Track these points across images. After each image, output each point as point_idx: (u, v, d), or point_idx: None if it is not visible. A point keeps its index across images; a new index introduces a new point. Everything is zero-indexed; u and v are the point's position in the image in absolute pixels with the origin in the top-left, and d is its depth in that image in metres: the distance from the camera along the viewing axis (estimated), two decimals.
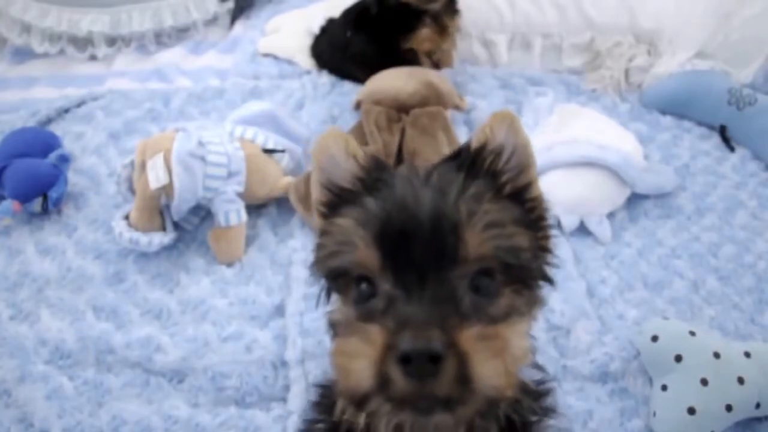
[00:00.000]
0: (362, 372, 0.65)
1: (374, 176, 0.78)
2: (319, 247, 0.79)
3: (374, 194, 0.75)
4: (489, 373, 0.64)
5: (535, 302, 0.78)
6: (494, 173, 0.79)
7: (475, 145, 0.80)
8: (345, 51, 2.42)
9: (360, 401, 0.68)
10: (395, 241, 0.70)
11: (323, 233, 0.79)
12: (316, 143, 0.83)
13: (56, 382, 1.48)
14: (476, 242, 0.70)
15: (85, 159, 2.07)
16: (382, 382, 0.65)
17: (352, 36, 2.42)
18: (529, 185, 0.81)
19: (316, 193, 0.83)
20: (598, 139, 1.92)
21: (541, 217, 0.82)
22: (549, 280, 0.81)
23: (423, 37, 2.32)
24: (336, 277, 0.76)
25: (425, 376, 0.63)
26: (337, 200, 0.80)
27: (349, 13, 2.48)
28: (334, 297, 0.82)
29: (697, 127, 2.22)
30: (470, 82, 2.38)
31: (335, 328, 0.79)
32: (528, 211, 0.80)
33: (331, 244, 0.75)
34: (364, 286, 0.72)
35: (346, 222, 0.73)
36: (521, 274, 0.75)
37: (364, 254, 0.71)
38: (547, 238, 0.82)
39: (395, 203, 0.72)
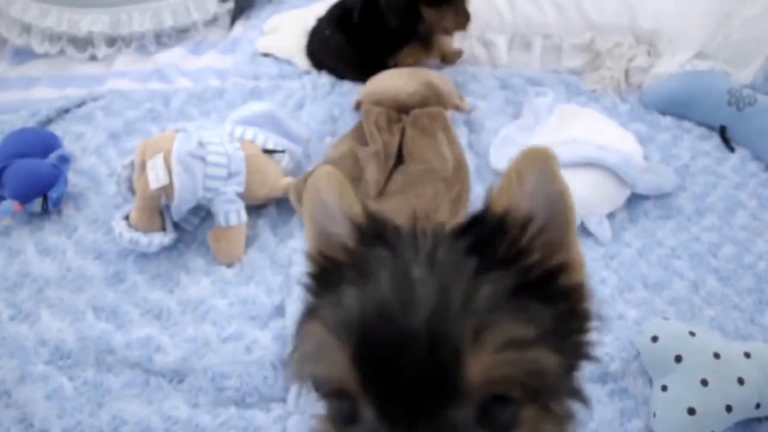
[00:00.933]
0: None
1: (364, 248, 0.60)
2: (294, 348, 0.61)
3: (358, 282, 0.56)
4: None
5: (564, 420, 0.60)
6: (519, 253, 0.60)
7: (495, 209, 0.61)
8: (331, 49, 2.44)
9: None
10: (379, 358, 0.52)
11: (299, 331, 0.61)
12: (308, 185, 0.67)
13: (56, 382, 1.47)
14: (485, 368, 0.52)
15: (85, 159, 2.07)
16: None
17: (331, 34, 2.43)
18: (564, 267, 0.64)
19: (308, 247, 0.67)
20: (597, 140, 1.92)
21: (580, 312, 0.66)
22: (583, 400, 0.63)
23: (406, 53, 2.34)
24: (314, 385, 0.59)
25: None
26: (325, 273, 0.63)
27: (332, 11, 2.49)
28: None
29: (697, 127, 2.21)
30: (470, 82, 2.38)
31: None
32: (562, 303, 0.62)
33: (306, 348, 0.58)
34: (344, 404, 0.56)
35: (316, 328, 0.56)
36: (547, 395, 0.57)
37: (340, 372, 0.54)
38: (584, 343, 0.65)
39: (381, 304, 0.54)
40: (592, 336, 0.66)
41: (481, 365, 0.51)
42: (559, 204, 0.64)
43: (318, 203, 0.65)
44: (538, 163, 0.62)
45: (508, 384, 0.53)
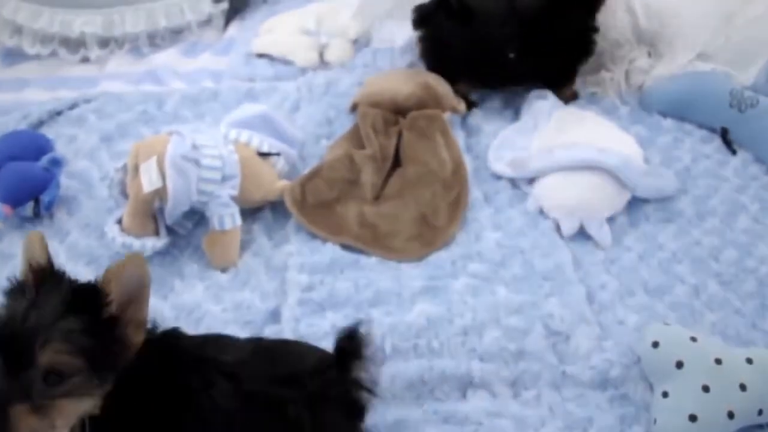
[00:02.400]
0: None
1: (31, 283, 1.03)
2: None
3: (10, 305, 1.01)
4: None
5: (86, 391, 1.00)
6: (98, 305, 1.01)
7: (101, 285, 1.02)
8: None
9: None
10: (5, 342, 0.96)
11: None
12: (24, 241, 1.08)
13: None
14: (47, 356, 0.95)
15: (77, 162, 2.05)
16: None
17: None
18: (124, 315, 1.03)
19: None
20: (597, 142, 1.91)
21: (122, 342, 1.03)
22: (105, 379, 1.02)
23: None
24: None
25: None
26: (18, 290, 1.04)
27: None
28: None
29: (698, 129, 2.19)
30: None
31: None
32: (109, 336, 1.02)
33: None
34: None
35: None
36: (79, 377, 0.98)
37: None
38: (117, 355, 1.03)
39: (10, 316, 0.98)
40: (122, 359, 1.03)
41: (44, 354, 0.94)
42: (139, 290, 1.03)
43: (27, 251, 1.07)
44: (135, 265, 1.02)
45: (60, 365, 0.96)
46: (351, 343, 1.20)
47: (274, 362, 1.18)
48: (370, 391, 1.23)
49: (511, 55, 2.15)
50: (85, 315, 0.99)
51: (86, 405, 1.00)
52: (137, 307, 1.04)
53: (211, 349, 1.16)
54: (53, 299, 0.99)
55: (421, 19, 2.25)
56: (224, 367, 1.12)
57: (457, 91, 2.20)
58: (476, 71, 2.25)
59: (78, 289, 1.02)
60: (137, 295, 1.03)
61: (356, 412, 1.24)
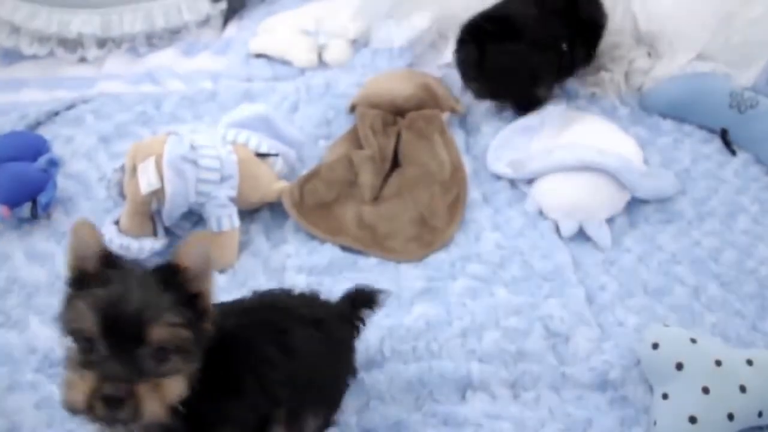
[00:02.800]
0: (77, 397, 0.97)
1: (104, 269, 1.03)
2: (62, 314, 1.03)
3: (101, 285, 1.01)
4: (153, 409, 0.98)
5: (190, 361, 1.05)
6: (180, 284, 1.04)
7: (175, 262, 1.05)
8: None
9: (73, 413, 1.00)
10: (110, 320, 0.97)
11: (68, 305, 1.03)
12: (72, 231, 1.04)
13: (46, 390, 1.46)
14: (158, 331, 0.98)
15: (75, 163, 2.04)
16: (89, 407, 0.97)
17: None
18: (201, 293, 1.06)
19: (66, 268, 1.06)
20: (597, 144, 1.91)
21: (204, 316, 1.07)
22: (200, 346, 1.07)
23: None
24: (72, 333, 1.01)
25: (114, 410, 0.97)
26: (80, 279, 1.04)
27: None
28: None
29: (697, 130, 2.20)
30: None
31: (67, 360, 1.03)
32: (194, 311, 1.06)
33: (71, 313, 1.01)
34: (87, 343, 0.98)
35: (79, 305, 0.99)
36: (184, 349, 1.02)
37: (90, 325, 0.97)
38: (204, 328, 1.07)
39: (113, 296, 0.99)
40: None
41: (154, 331, 0.97)
42: (206, 269, 1.06)
43: (78, 240, 1.03)
44: (201, 245, 1.04)
45: (168, 342, 0.99)
46: (364, 295, 1.43)
47: (312, 306, 1.33)
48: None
49: (564, 47, 2.16)
50: (176, 293, 1.03)
51: (186, 381, 1.05)
52: (206, 282, 1.07)
53: (262, 308, 1.29)
54: (143, 280, 1.03)
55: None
56: (293, 314, 1.26)
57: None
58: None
59: (159, 269, 1.06)
60: (204, 270, 1.06)
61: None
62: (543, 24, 2.13)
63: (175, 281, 1.04)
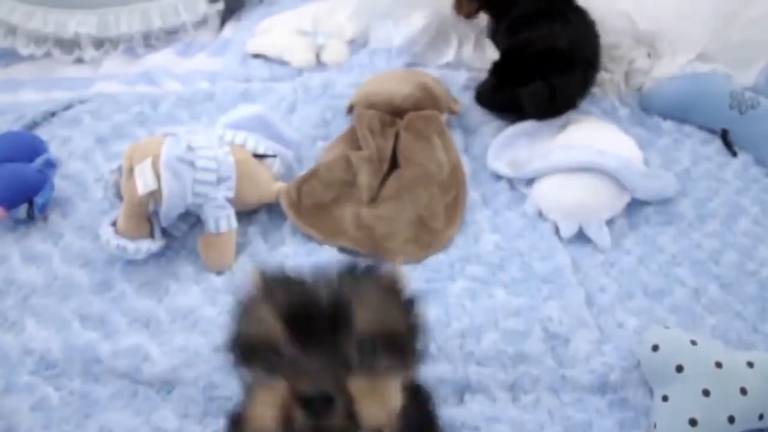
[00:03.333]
0: (267, 412, 0.82)
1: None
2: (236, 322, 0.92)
3: (285, 291, 0.89)
4: (372, 413, 0.82)
5: (406, 366, 0.92)
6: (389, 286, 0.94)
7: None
8: None
9: None
10: (299, 319, 0.84)
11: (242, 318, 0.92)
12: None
13: (42, 392, 1.45)
14: (362, 320, 0.84)
15: (71, 164, 2.03)
16: (286, 423, 0.81)
17: None
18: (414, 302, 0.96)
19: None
20: (597, 144, 1.90)
21: (416, 319, 0.95)
22: (421, 359, 0.95)
23: None
24: (248, 349, 0.89)
25: (321, 416, 0.80)
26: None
27: None
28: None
29: (698, 131, 2.20)
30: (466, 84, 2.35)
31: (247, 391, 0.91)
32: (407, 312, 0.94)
33: (246, 323, 0.90)
34: (271, 355, 0.85)
35: (261, 308, 0.88)
36: (396, 345, 0.89)
37: (272, 329, 0.84)
38: (418, 333, 0.95)
39: (300, 293, 0.87)
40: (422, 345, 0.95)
41: (360, 315, 0.84)
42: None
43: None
44: None
45: (374, 333, 0.85)
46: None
47: None
48: None
49: None
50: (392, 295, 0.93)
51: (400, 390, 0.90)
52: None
53: None
54: (334, 273, 0.91)
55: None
56: None
57: None
58: None
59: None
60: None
61: None
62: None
63: (381, 285, 0.92)
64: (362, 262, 0.94)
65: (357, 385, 0.81)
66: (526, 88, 2.06)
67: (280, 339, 0.83)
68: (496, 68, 2.17)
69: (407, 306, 0.95)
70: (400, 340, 0.89)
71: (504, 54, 2.17)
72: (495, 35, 2.22)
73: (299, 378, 0.80)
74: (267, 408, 0.81)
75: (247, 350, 0.88)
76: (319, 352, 0.82)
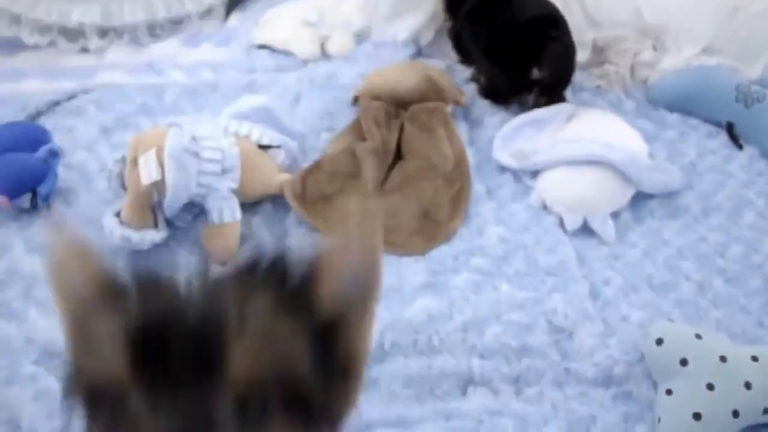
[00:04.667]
0: None
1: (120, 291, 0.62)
2: (71, 354, 0.64)
3: (124, 308, 0.60)
4: None
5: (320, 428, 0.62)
6: (307, 298, 0.63)
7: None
8: None
9: None
10: (153, 352, 0.56)
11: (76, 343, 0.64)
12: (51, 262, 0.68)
13: (45, 382, 1.45)
14: (247, 360, 0.56)
15: (75, 154, 2.03)
16: None
17: None
18: (349, 329, 0.65)
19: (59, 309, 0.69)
20: (602, 137, 1.90)
21: (345, 369, 0.65)
22: (336, 426, 0.64)
23: None
24: (86, 392, 0.60)
25: None
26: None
27: None
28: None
29: (703, 124, 2.19)
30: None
31: None
32: (329, 349, 0.63)
33: (80, 352, 0.62)
34: (115, 400, 0.56)
35: (97, 329, 0.60)
36: (302, 406, 0.59)
37: (113, 364, 0.56)
38: (341, 394, 0.65)
39: (159, 310, 0.58)
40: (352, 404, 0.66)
41: (239, 362, 0.54)
42: (366, 291, 0.67)
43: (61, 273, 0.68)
44: (368, 249, 0.68)
45: (265, 382, 0.56)
46: None
47: None
48: None
49: None
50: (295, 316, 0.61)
51: None
52: (359, 321, 0.66)
53: None
54: (217, 284, 0.62)
55: None
56: None
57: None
58: None
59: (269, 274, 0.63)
60: (361, 298, 0.67)
61: None
62: None
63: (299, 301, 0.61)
64: (270, 253, 0.64)
65: None
66: (546, 51, 2.07)
67: (123, 378, 0.56)
68: (492, 56, 2.18)
69: (329, 324, 0.63)
70: (305, 388, 0.59)
71: (492, 38, 2.16)
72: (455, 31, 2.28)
73: None
74: None
75: (88, 392, 0.60)
76: (177, 407, 0.54)
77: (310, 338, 0.60)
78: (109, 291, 0.63)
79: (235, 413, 0.54)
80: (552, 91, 2.15)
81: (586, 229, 1.83)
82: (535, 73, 2.09)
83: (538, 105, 2.13)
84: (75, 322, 0.65)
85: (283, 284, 0.61)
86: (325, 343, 0.61)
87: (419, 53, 2.46)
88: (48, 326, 1.56)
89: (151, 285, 0.62)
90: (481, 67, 2.24)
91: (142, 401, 0.54)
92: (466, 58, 2.32)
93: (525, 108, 2.13)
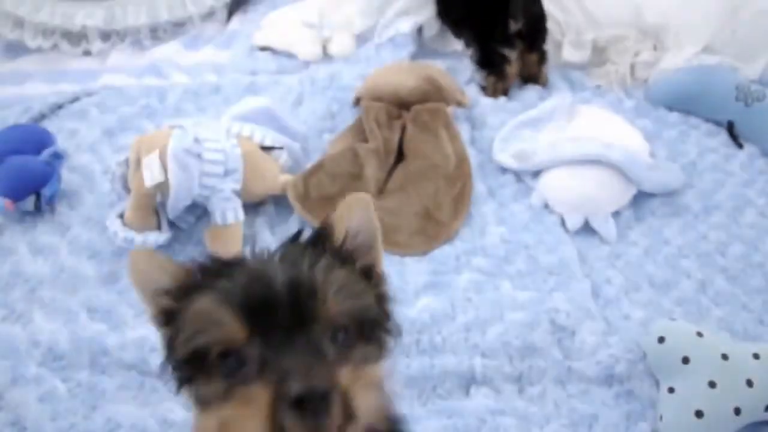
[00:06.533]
0: (252, 423, 0.70)
1: (212, 272, 0.80)
2: (170, 338, 0.80)
3: (226, 278, 0.76)
4: (368, 404, 0.72)
5: (383, 351, 0.83)
6: (343, 251, 0.85)
7: (323, 226, 0.87)
8: None
9: None
10: (258, 311, 0.73)
11: (171, 324, 0.80)
12: (130, 265, 0.84)
13: (49, 384, 1.45)
14: (332, 304, 0.75)
15: (79, 156, 2.04)
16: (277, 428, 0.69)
17: None
18: (373, 265, 0.88)
19: (148, 307, 0.85)
20: (603, 137, 1.90)
21: (383, 293, 0.88)
22: (392, 334, 0.87)
23: None
24: (194, 360, 0.76)
25: (318, 415, 0.68)
26: (175, 304, 0.81)
27: None
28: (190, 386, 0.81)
29: (704, 123, 2.19)
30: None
31: (203, 407, 0.77)
32: (373, 286, 0.86)
33: (187, 329, 0.76)
34: (230, 360, 0.73)
35: (203, 303, 0.75)
36: (370, 329, 0.80)
37: (229, 328, 0.73)
38: (387, 309, 0.87)
39: (252, 278, 0.75)
40: (388, 305, 0.88)
41: (329, 301, 0.74)
42: (371, 235, 0.89)
43: (141, 274, 0.84)
44: (362, 206, 0.88)
45: (347, 316, 0.76)
46: None
47: None
48: None
49: None
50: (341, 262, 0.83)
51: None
52: (373, 257, 0.89)
53: None
54: (285, 252, 0.81)
55: None
56: None
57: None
58: None
59: (308, 240, 0.86)
60: (370, 243, 0.88)
61: None
62: None
63: (336, 252, 0.84)
64: (308, 231, 0.87)
65: (348, 376, 0.72)
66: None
67: (239, 338, 0.73)
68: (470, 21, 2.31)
69: (370, 278, 0.87)
70: (376, 327, 0.82)
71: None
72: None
73: (284, 378, 0.69)
74: (249, 421, 0.69)
75: (197, 359, 0.75)
76: (290, 347, 0.72)
77: (361, 278, 0.83)
78: (189, 278, 0.80)
79: (333, 341, 0.74)
80: (533, 41, 2.26)
81: (587, 229, 1.83)
82: (513, 26, 2.17)
83: (527, 64, 2.27)
84: (165, 310, 0.81)
85: (326, 247, 0.83)
86: (368, 278, 0.85)
87: (420, 50, 2.48)
88: (52, 328, 1.56)
89: (235, 262, 0.79)
90: (468, 38, 2.32)
91: (262, 350, 0.71)
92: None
93: (525, 106, 2.14)
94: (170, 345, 0.79)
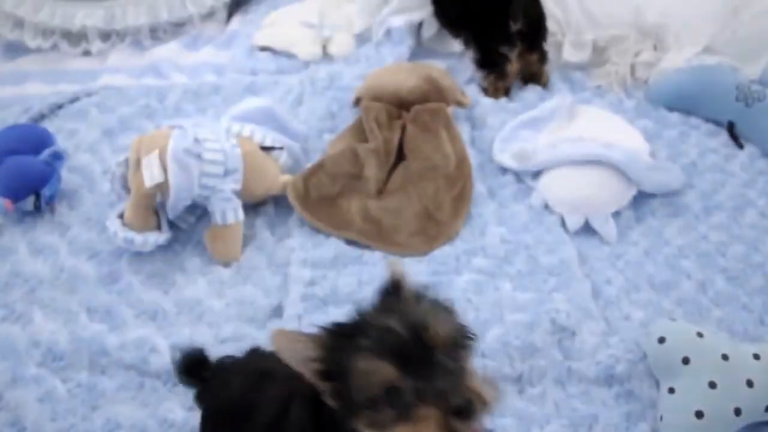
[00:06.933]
0: None
1: (348, 334, 0.96)
2: (338, 389, 0.96)
3: (365, 338, 0.94)
4: (492, 396, 0.93)
5: (470, 353, 1.00)
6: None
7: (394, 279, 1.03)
8: None
9: None
10: (398, 354, 0.91)
11: (333, 379, 0.96)
12: (275, 345, 0.97)
13: (49, 384, 1.46)
14: (440, 332, 0.93)
15: (78, 156, 2.04)
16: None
17: None
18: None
19: (307, 373, 0.98)
20: (603, 137, 1.90)
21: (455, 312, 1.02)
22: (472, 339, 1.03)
23: None
24: (367, 400, 0.94)
25: (473, 416, 0.91)
26: (332, 365, 0.97)
27: None
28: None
29: (704, 123, 2.19)
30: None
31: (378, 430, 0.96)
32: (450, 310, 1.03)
33: (357, 380, 0.93)
34: (392, 393, 0.91)
35: (363, 360, 0.93)
36: (462, 341, 0.98)
37: (386, 372, 0.91)
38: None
39: (384, 333, 0.93)
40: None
41: (440, 330, 0.92)
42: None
43: (286, 350, 0.97)
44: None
45: (450, 339, 0.94)
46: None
47: None
48: None
49: None
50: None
51: None
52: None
53: None
54: (385, 305, 1.01)
55: None
56: None
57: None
58: None
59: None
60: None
61: None
62: None
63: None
64: (387, 284, 1.03)
65: (474, 382, 0.92)
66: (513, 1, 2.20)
67: (395, 377, 0.91)
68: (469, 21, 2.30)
69: (442, 305, 1.03)
70: (462, 336, 0.99)
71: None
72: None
73: (446, 397, 0.90)
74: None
75: (369, 399, 0.93)
76: (428, 372, 0.92)
77: (444, 309, 1.00)
78: (332, 344, 0.96)
79: (447, 358, 0.92)
80: (534, 41, 2.25)
81: (587, 229, 1.83)
82: (513, 27, 2.17)
83: (528, 63, 2.27)
84: (322, 372, 0.97)
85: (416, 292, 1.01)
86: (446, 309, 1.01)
87: (420, 50, 2.48)
88: (52, 328, 1.56)
89: (358, 323, 0.97)
90: (467, 38, 2.31)
91: (414, 381, 0.90)
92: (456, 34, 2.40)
93: (525, 106, 2.14)
94: (339, 393, 0.96)
